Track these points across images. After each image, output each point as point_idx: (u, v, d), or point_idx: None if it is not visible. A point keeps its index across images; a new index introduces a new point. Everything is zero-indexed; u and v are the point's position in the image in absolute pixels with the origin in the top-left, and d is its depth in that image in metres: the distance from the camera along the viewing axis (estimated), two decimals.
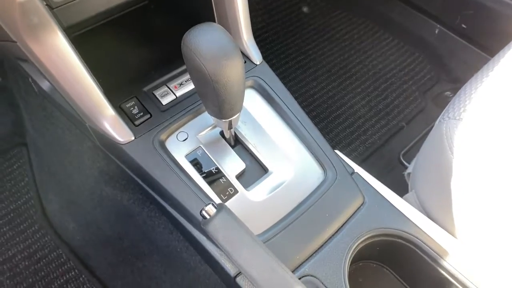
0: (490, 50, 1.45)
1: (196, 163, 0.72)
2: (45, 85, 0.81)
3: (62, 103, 0.78)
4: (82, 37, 0.85)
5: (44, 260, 1.14)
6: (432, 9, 1.58)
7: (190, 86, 0.80)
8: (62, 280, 1.11)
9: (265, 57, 0.87)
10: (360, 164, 0.87)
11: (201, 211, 0.57)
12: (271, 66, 0.89)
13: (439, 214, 0.78)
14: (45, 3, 0.61)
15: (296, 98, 0.81)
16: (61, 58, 0.63)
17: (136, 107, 0.75)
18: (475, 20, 1.45)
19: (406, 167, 1.06)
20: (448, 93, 1.58)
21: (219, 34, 0.55)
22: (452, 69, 1.62)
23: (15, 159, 1.30)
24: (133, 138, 0.72)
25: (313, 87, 1.56)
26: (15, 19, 0.57)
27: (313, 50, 1.69)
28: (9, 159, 1.30)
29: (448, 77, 1.64)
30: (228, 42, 0.55)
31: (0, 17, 0.59)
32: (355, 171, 0.79)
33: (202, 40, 0.54)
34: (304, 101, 1.51)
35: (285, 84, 0.83)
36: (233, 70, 0.56)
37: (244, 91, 0.63)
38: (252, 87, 0.83)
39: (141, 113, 0.75)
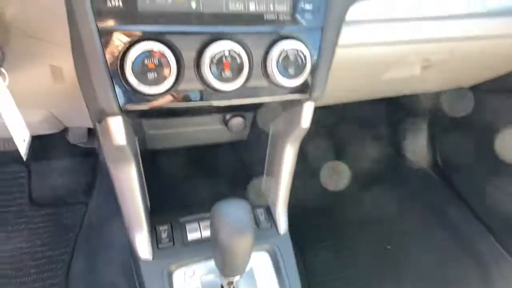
0: None
1: None
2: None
3: None
4: (154, 155, 1.05)
5: None
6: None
7: None
8: None
9: (295, 220, 0.94)
10: None
11: None
12: (299, 233, 0.96)
13: None
14: (137, 138, 0.82)
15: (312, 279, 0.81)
16: (125, 180, 0.81)
17: (166, 232, 0.88)
18: None
19: None
20: None
21: (240, 213, 0.67)
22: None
23: (73, 213, 1.52)
24: (151, 258, 0.83)
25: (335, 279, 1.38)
26: (110, 151, 0.77)
27: (349, 237, 1.54)
28: (69, 211, 1.52)
29: None
30: (245, 222, 0.67)
31: (103, 145, 0.80)
32: None
33: (224, 213, 0.66)
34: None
35: (307, 258, 0.87)
36: (241, 244, 0.66)
37: (247, 262, 0.72)
38: (267, 251, 0.91)
39: (167, 239, 0.87)
